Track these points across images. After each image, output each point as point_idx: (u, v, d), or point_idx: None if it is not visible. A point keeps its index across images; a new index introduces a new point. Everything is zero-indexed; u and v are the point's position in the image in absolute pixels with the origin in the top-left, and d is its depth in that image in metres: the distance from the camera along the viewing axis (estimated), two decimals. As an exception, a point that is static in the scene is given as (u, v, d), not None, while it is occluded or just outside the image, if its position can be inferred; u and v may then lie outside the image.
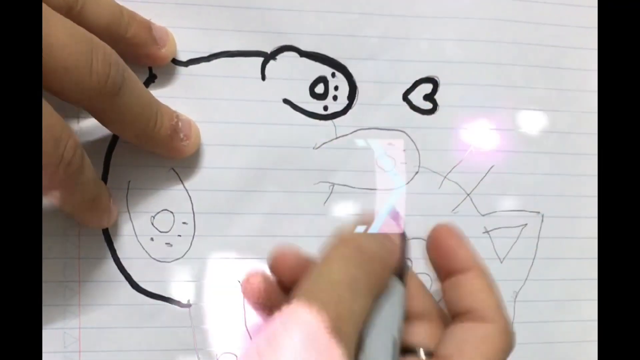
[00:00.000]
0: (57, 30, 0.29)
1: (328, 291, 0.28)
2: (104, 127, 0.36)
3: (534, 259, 0.41)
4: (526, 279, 0.41)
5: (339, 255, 0.29)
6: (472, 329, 0.31)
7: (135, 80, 0.33)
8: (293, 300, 0.27)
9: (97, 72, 0.30)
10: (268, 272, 0.33)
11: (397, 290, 0.31)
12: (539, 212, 0.41)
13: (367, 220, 0.31)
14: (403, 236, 0.32)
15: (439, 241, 0.33)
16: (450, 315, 0.33)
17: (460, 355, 0.31)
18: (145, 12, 0.36)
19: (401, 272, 0.31)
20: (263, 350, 0.26)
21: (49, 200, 0.32)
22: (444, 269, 0.33)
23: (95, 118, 0.33)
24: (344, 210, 0.39)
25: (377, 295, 0.29)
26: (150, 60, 0.37)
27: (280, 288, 0.33)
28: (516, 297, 0.41)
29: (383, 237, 0.31)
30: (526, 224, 0.41)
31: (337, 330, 0.26)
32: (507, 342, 0.32)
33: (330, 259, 0.29)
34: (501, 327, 0.32)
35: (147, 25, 0.36)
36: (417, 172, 0.40)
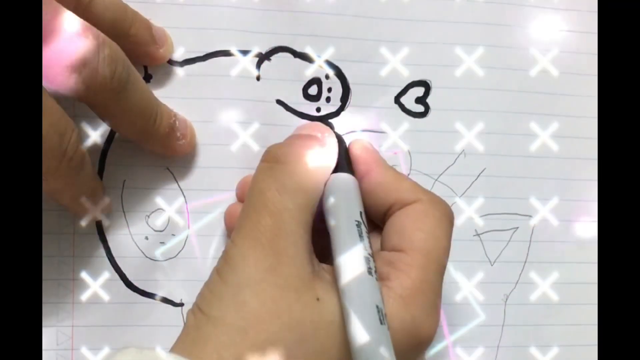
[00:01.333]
0: (64, 26, 0.29)
1: (261, 198, 0.31)
2: (100, 127, 0.36)
3: (525, 262, 0.41)
4: (517, 282, 0.41)
5: (259, 170, 0.32)
6: (403, 213, 0.33)
7: (138, 77, 0.34)
8: (237, 218, 0.31)
9: (104, 68, 0.30)
10: None
11: (349, 182, 0.33)
12: (530, 216, 0.41)
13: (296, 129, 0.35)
14: (338, 137, 0.35)
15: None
16: (379, 218, 0.34)
17: (406, 239, 0.32)
18: (142, 11, 0.36)
19: (348, 167, 0.34)
20: (219, 266, 0.30)
21: (49, 193, 0.32)
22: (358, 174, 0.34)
23: (97, 114, 0.34)
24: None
25: (313, 189, 0.32)
26: (148, 59, 0.37)
27: None
28: (507, 300, 0.41)
29: (301, 140, 0.33)
30: (518, 227, 0.41)
31: (278, 230, 0.30)
32: (441, 210, 0.33)
33: (255, 176, 0.32)
34: (427, 200, 0.33)
35: (148, 25, 0.36)
36: (408, 175, 0.40)
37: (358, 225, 0.31)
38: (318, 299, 0.29)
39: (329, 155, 0.33)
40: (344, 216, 0.31)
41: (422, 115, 0.40)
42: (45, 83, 0.29)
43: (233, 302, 0.29)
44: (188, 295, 0.38)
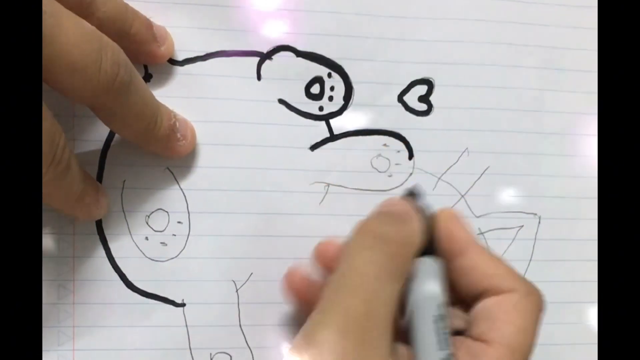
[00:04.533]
0: (67, 29, 0.29)
1: (354, 282, 0.30)
2: (99, 127, 0.36)
3: (530, 260, 0.41)
4: (522, 281, 0.41)
5: (359, 247, 0.31)
6: (495, 302, 0.32)
7: (140, 79, 0.33)
8: (324, 296, 0.30)
9: (106, 71, 0.30)
10: (307, 268, 0.36)
11: (432, 268, 0.32)
12: (535, 214, 0.41)
13: (386, 206, 0.33)
14: (425, 213, 0.33)
15: (441, 222, 0.34)
16: (469, 298, 0.33)
17: (494, 331, 0.31)
18: (142, 10, 0.36)
19: (432, 248, 0.33)
20: (301, 347, 0.29)
21: None
22: (446, 251, 0.33)
23: (99, 116, 0.33)
24: (339, 210, 0.39)
25: (404, 275, 0.31)
26: (149, 58, 0.37)
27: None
28: (511, 298, 0.41)
29: (400, 219, 0.32)
30: (522, 226, 0.41)
31: (369, 318, 0.29)
32: (535, 303, 0.32)
33: (352, 251, 0.31)
34: (523, 292, 0.32)
35: (149, 23, 0.36)
36: (411, 174, 0.40)
37: (436, 321, 0.30)
38: None
39: (420, 235, 0.32)
40: (424, 311, 0.31)
41: (425, 113, 0.40)
42: (46, 85, 0.29)
43: None
44: (189, 295, 0.38)
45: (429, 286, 0.32)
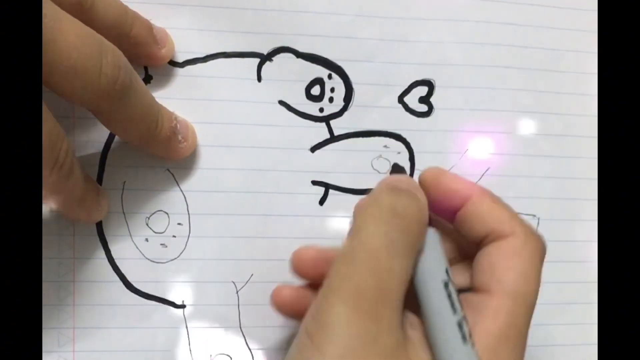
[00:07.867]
0: (67, 32, 0.29)
1: (366, 257, 0.28)
2: (99, 128, 0.36)
3: (528, 261, 0.41)
4: (520, 282, 0.41)
5: (374, 221, 0.29)
6: (495, 249, 0.31)
7: (140, 82, 0.33)
8: (333, 271, 0.29)
9: (106, 75, 0.30)
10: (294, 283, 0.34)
11: (432, 236, 0.31)
12: (534, 215, 0.41)
13: (393, 182, 0.32)
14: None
15: (433, 182, 0.33)
16: (471, 246, 0.32)
17: (494, 279, 0.30)
18: (142, 12, 0.36)
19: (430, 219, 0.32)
20: (311, 329, 0.28)
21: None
22: (448, 208, 0.33)
23: (99, 119, 0.33)
24: (339, 211, 0.39)
25: (416, 251, 0.30)
26: (150, 60, 0.37)
27: (310, 288, 0.34)
28: (511, 299, 0.41)
29: (411, 194, 0.31)
30: (521, 227, 0.41)
31: (381, 294, 0.28)
32: (536, 247, 0.31)
33: (366, 225, 0.29)
34: (523, 236, 0.31)
35: (149, 25, 0.36)
36: (412, 175, 0.40)
37: (446, 286, 0.30)
38: None
39: (427, 210, 0.31)
40: (432, 279, 0.30)
41: (425, 114, 0.40)
42: (46, 88, 0.29)
43: None
44: (189, 297, 0.38)
45: (435, 254, 0.31)
